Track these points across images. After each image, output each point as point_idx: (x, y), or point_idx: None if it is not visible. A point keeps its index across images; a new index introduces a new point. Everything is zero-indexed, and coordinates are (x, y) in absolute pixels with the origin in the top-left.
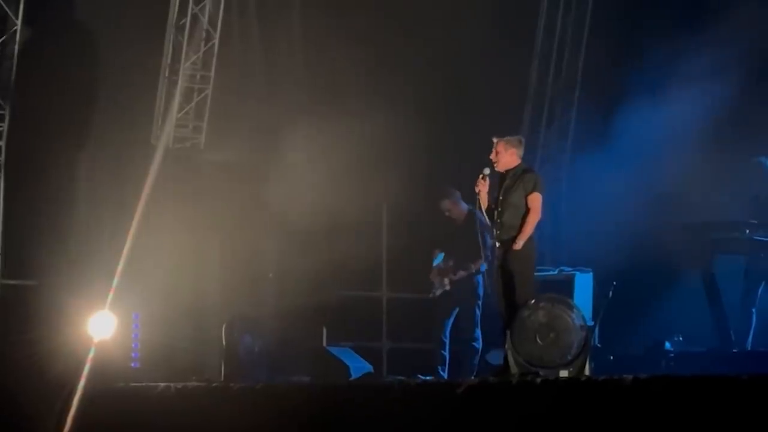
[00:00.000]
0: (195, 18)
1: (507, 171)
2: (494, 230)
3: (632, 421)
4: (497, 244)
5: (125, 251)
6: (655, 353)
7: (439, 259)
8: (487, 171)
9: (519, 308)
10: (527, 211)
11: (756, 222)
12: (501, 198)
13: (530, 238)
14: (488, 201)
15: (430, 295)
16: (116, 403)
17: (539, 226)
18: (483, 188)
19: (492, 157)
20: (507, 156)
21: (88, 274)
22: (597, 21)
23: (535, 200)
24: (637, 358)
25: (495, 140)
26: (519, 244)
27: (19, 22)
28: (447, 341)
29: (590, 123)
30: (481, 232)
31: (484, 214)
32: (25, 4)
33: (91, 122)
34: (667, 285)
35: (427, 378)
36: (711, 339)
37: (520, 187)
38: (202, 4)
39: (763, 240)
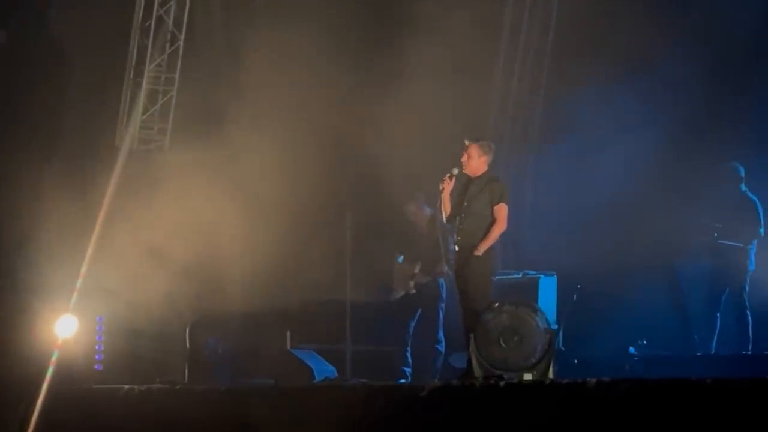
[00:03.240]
0: (160, 20)
1: (473, 177)
2: (456, 236)
3: (596, 424)
4: (456, 249)
5: (89, 253)
6: (620, 357)
7: (400, 260)
8: (455, 171)
9: (479, 313)
10: (493, 220)
11: (720, 226)
12: (465, 204)
13: (490, 246)
14: (450, 204)
15: (391, 298)
16: (80, 405)
17: (503, 233)
18: (447, 187)
19: (464, 160)
20: (479, 162)
21: (52, 276)
22: (562, 25)
23: (502, 211)
24: (601, 361)
25: (467, 142)
26: (480, 250)
27: None
28: (410, 342)
29: (555, 127)
30: (444, 235)
31: (443, 213)
32: None
33: (56, 124)
34: (632, 288)
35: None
36: (675, 343)
37: (486, 195)
38: (167, 5)
39: (727, 244)
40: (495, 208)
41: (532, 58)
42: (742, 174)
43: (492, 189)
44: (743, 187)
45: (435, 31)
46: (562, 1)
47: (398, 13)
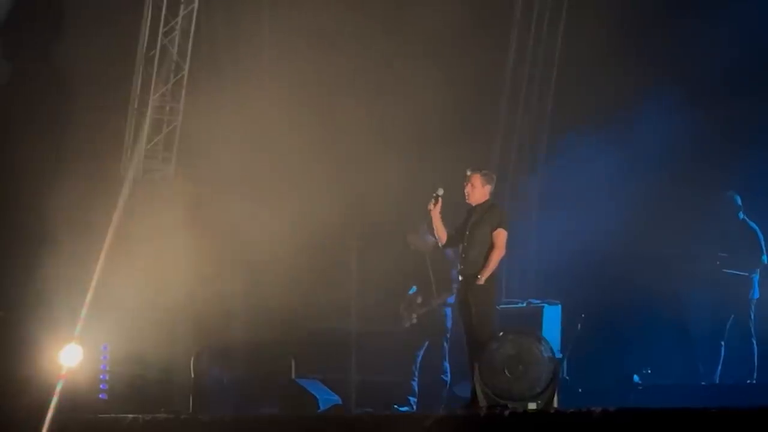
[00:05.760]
0: (164, 49)
1: (475, 206)
2: (459, 265)
3: None
4: (460, 278)
5: (94, 282)
6: (624, 386)
7: (412, 291)
8: (440, 191)
9: (482, 342)
10: (491, 246)
11: (725, 255)
12: (468, 233)
13: (492, 274)
14: (444, 228)
15: (397, 328)
16: None
17: (504, 260)
18: (435, 209)
19: (468, 190)
20: (483, 191)
21: (56, 305)
22: (567, 56)
23: (500, 236)
24: (606, 390)
25: (469, 173)
26: (482, 280)
27: None
28: (417, 372)
29: (559, 156)
30: (448, 264)
31: (435, 235)
32: None
33: (60, 154)
34: (636, 317)
35: (401, 409)
36: (679, 371)
37: (486, 222)
38: (171, 35)
39: (731, 273)
40: (494, 233)
41: (537, 87)
42: (739, 203)
43: (491, 215)
44: (741, 216)
45: (440, 65)
46: (568, 32)
47: (404, 50)
